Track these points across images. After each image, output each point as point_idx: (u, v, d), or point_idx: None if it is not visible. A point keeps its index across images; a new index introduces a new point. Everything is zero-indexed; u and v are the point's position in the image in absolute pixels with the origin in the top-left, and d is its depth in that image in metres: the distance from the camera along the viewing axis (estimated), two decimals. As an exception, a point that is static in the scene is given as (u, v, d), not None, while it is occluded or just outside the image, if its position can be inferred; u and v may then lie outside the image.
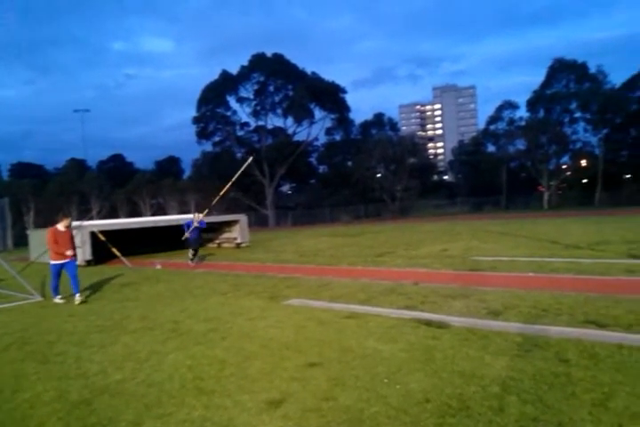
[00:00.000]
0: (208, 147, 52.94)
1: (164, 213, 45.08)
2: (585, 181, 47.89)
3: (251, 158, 15.31)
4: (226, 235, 20.17)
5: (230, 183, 13.46)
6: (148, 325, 6.19)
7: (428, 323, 5.20)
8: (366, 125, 55.70)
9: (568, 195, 47.86)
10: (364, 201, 50.20)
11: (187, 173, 62.90)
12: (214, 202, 14.54)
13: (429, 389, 3.45)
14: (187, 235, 13.52)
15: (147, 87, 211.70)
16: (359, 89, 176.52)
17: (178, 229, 19.70)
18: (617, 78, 45.69)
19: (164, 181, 51.86)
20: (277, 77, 49.58)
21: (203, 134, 51.69)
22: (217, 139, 52.76)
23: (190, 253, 13.74)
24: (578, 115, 45.98)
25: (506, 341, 4.43)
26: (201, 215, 13.75)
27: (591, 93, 43.36)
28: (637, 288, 6.35)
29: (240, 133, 53.05)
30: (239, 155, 52.08)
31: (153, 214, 47.15)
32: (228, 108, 51.44)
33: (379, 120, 55.89)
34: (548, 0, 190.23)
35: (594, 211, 34.08)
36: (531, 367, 3.71)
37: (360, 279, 8.72)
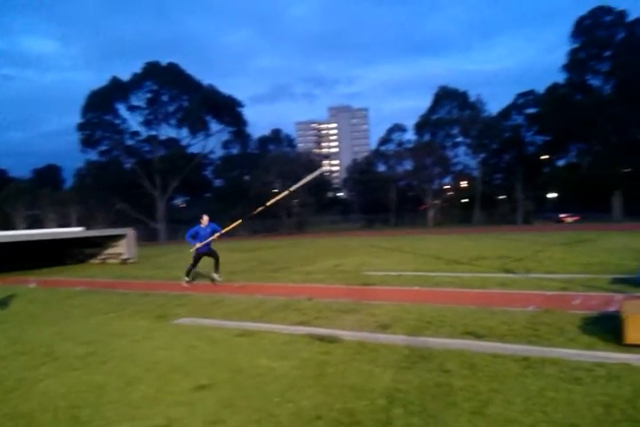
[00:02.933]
0: (94, 156, 49.81)
1: (42, 226, 41.44)
2: (465, 200, 51.80)
3: (321, 169, 13.00)
4: (111, 250, 18.95)
5: (287, 192, 10.66)
6: (18, 349, 5.58)
7: (321, 338, 5.24)
8: (264, 140, 55.92)
9: (450, 213, 51.38)
10: (260, 216, 50.05)
11: (68, 183, 58.61)
12: (257, 211, 10.84)
13: (321, 405, 3.45)
14: (196, 246, 10.34)
15: (26, 90, 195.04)
16: (257, 104, 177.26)
17: (57, 244, 18.26)
18: (493, 107, 50.40)
19: (42, 190, 47.81)
20: (172, 87, 48.19)
21: (88, 142, 48.50)
22: (104, 148, 49.80)
23: (215, 269, 10.58)
24: (459, 139, 49.97)
25: (394, 353, 4.58)
26: (206, 218, 10.49)
27: (471, 120, 47.36)
28: (509, 300, 6.91)
29: (130, 143, 50.59)
30: (128, 165, 49.63)
31: (28, 227, 43.14)
32: (118, 115, 48.94)
33: (276, 136, 56.43)
34: (436, 32, 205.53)
35: (472, 228, 36.94)
36: (416, 379, 3.86)
37: (255, 295, 8.60)
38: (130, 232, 18.73)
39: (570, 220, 42.16)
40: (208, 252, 10.58)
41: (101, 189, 45.56)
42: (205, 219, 10.47)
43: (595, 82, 42.62)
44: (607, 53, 41.46)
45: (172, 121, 49.99)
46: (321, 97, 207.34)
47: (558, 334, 4.91)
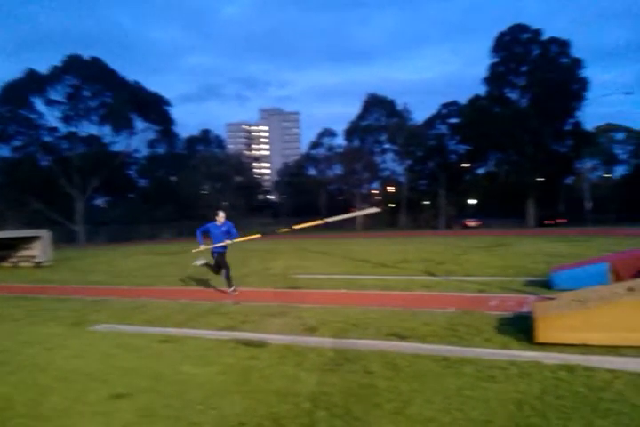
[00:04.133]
0: (6, 152, 46.38)
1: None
2: (392, 205, 53.28)
3: (374, 209, 10.94)
4: (24, 252, 17.72)
5: (321, 221, 9.40)
6: None
7: (247, 343, 5.16)
8: (192, 141, 54.62)
9: (378, 217, 52.65)
10: (188, 218, 48.76)
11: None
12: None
13: (244, 411, 3.39)
14: (200, 247, 8.90)
15: None
16: (186, 103, 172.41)
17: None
18: (419, 116, 52.43)
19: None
20: (94, 82, 45.84)
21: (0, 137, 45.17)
22: (18, 143, 46.55)
23: (223, 274, 8.98)
24: (387, 146, 51.42)
25: (320, 356, 4.60)
26: (222, 215, 9.05)
27: (398, 128, 48.88)
28: (431, 302, 7.16)
29: (47, 139, 47.58)
30: (44, 163, 46.67)
31: None
32: (34, 110, 45.90)
33: (205, 136, 55.33)
34: (366, 41, 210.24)
35: (398, 232, 38.01)
36: (341, 381, 3.89)
37: (179, 300, 8.35)
38: (45, 234, 17.61)
39: (473, 224, 44.92)
40: (220, 257, 8.93)
41: (14, 188, 42.52)
42: (221, 215, 8.98)
43: (512, 95, 45.31)
44: (524, 68, 44.26)
45: (94, 117, 47.51)
46: (252, 99, 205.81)
47: (476, 334, 5.14)
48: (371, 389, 3.70)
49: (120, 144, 49.40)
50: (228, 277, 8.90)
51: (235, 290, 8.84)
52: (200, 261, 9.15)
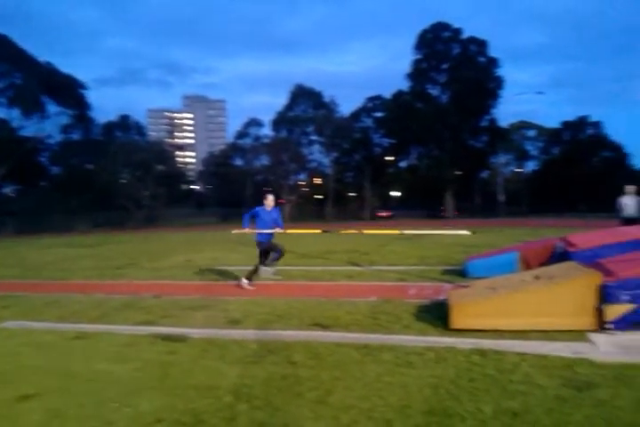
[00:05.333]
0: None
1: None
2: (319, 196, 53.75)
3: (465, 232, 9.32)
4: None
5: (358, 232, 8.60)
6: None
7: (167, 338, 5.00)
8: (110, 127, 51.92)
9: (304, 209, 52.93)
10: (105, 208, 46.48)
11: None
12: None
13: (162, 408, 3.29)
14: (245, 230, 8.10)
15: None
16: (104, 87, 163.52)
17: None
18: (346, 109, 52.98)
19: None
20: (1, 62, 42.41)
21: None
22: None
23: (270, 262, 8.09)
24: (314, 138, 51.63)
25: (243, 349, 4.55)
26: (272, 199, 8.30)
27: (325, 120, 49.20)
28: (355, 292, 7.30)
29: (-53, 121, 43.49)
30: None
31: None
32: None
33: (124, 122, 52.78)
34: (294, 31, 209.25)
35: (325, 224, 38.45)
36: (263, 373, 3.87)
37: (95, 295, 7.94)
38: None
39: (384, 215, 47.13)
40: (269, 244, 8.11)
41: None
42: (270, 199, 8.17)
43: (434, 91, 47.06)
44: (445, 66, 46.02)
45: (2, 100, 44.02)
46: (175, 85, 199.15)
47: (395, 321, 5.30)
48: (293, 379, 3.71)
49: (30, 129, 46.04)
50: (255, 271, 8.07)
51: (251, 284, 8.01)
52: (271, 272, 8.16)
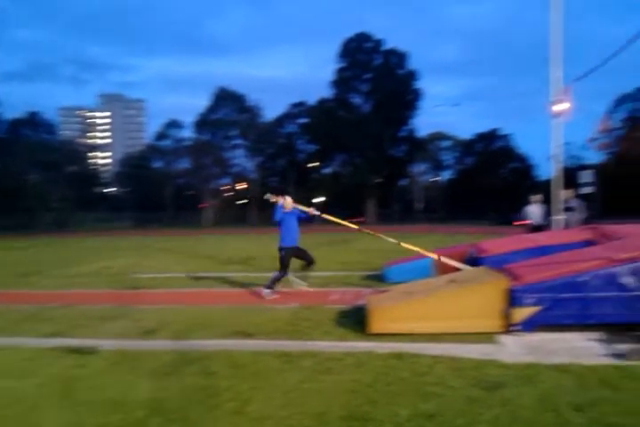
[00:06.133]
0: None
1: None
2: (242, 201, 53.13)
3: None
4: None
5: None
6: None
7: (76, 350, 4.69)
8: (17, 124, 48.40)
9: (227, 213, 52.10)
10: (8, 211, 43.09)
11: None
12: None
13: (67, 425, 3.08)
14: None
15: None
16: (9, 81, 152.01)
17: None
18: (270, 113, 52.85)
19: None
20: None
21: None
22: None
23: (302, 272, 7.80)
24: (238, 142, 51.06)
25: (157, 360, 4.37)
26: (290, 200, 7.76)
27: (249, 124, 48.85)
28: (276, 298, 7.25)
29: None
30: None
31: None
32: None
33: (33, 120, 49.41)
34: (218, 33, 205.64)
35: (248, 229, 38.08)
36: (179, 384, 3.73)
37: (-6, 305, 7.32)
38: None
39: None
40: (297, 250, 7.71)
41: None
42: (289, 200, 7.67)
43: (356, 100, 48.13)
44: (367, 76, 47.26)
45: None
46: (91, 83, 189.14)
47: (316, 327, 5.33)
48: (211, 390, 3.61)
49: None
50: (277, 279, 7.53)
51: (273, 292, 7.43)
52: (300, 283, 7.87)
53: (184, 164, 51.32)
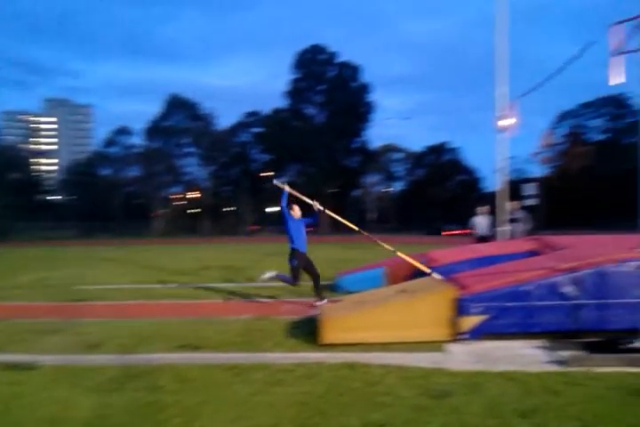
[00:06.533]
0: None
1: None
2: (194, 210, 52.22)
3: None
4: None
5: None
6: None
7: (12, 366, 4.44)
8: (-47, 128, 45.98)
9: (178, 223, 51.03)
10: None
11: None
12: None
13: (1, 449, 2.90)
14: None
15: None
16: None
17: None
18: (224, 122, 52.38)
19: None
20: None
21: None
22: None
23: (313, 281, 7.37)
24: (191, 149, 50.30)
25: (101, 375, 4.19)
26: (297, 209, 7.47)
27: (202, 132, 48.27)
28: (228, 310, 7.15)
29: None
30: None
31: None
32: None
33: (-28, 124, 47.08)
34: (171, 40, 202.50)
35: (200, 239, 37.41)
36: (123, 400, 3.59)
37: None
38: None
39: (254, 228, 47.88)
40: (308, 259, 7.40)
41: None
42: (297, 210, 7.42)
43: (310, 111, 48.51)
44: (321, 87, 47.76)
45: None
46: (37, 87, 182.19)
47: (267, 339, 5.26)
48: (157, 406, 3.49)
49: None
50: (318, 286, 7.29)
51: (325, 300, 7.06)
52: (269, 274, 7.63)
53: (133, 171, 50.03)
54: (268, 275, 7.67)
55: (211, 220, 49.64)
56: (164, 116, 49.43)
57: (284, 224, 7.37)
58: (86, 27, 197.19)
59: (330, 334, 4.96)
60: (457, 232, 36.53)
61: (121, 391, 3.79)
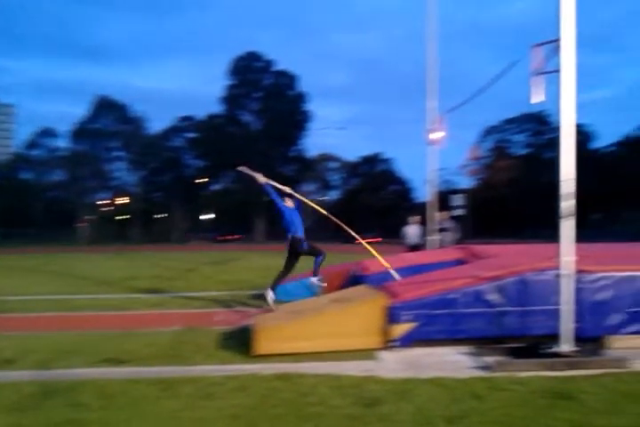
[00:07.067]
0: None
1: None
2: (123, 217, 50.24)
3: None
4: None
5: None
6: None
7: None
8: None
9: (106, 230, 48.90)
10: None
11: None
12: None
13: None
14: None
15: None
16: None
17: None
18: (156, 126, 50.96)
19: None
20: None
21: None
22: None
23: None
24: (120, 153, 48.47)
25: (16, 393, 3.89)
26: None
27: (132, 136, 46.67)
28: (156, 321, 6.89)
29: None
30: None
31: None
32: None
33: None
34: (101, 40, 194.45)
35: (129, 246, 35.99)
36: (41, 419, 3.35)
37: None
38: None
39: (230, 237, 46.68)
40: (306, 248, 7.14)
41: None
42: (288, 200, 7.23)
43: (246, 118, 48.19)
44: (257, 95, 47.61)
45: None
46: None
47: (198, 351, 5.11)
48: (77, 424, 3.28)
49: None
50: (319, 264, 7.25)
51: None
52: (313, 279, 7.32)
53: (58, 175, 47.46)
54: (313, 279, 7.39)
55: (141, 227, 47.94)
56: (92, 118, 47.44)
57: (282, 216, 7.20)
58: (8, 24, 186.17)
59: (263, 344, 4.89)
60: (369, 240, 39.04)
61: (37, 410, 3.54)
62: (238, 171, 8.00)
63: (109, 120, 47.85)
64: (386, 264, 7.06)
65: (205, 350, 5.17)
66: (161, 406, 3.60)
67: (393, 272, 6.81)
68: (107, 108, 47.51)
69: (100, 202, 49.72)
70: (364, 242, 7.70)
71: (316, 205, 8.15)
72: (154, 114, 59.92)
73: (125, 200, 49.82)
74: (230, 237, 47.10)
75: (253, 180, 7.35)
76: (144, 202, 49.02)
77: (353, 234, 7.79)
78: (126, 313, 7.64)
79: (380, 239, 41.14)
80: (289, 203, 7.30)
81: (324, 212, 8.18)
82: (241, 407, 3.53)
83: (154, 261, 19.20)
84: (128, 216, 49.56)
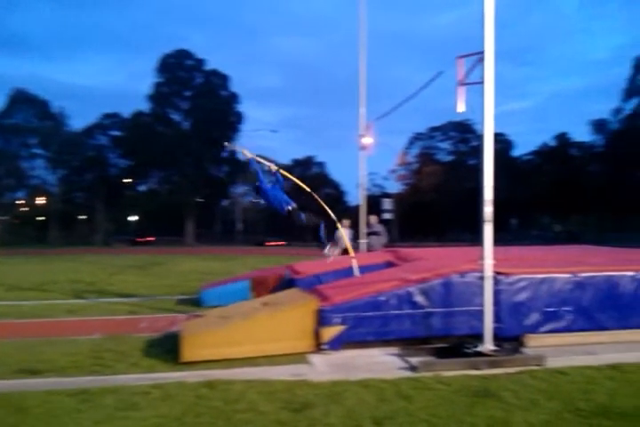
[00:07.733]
0: None
1: None
2: (41, 218, 47.34)
3: None
4: None
5: None
6: None
7: None
8: None
9: (22, 232, 45.86)
10: None
11: None
12: None
13: None
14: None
15: None
16: None
17: None
18: (78, 123, 48.34)
19: None
20: None
21: None
22: None
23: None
24: (38, 151, 45.62)
25: None
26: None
27: (51, 133, 44.05)
28: (76, 329, 6.53)
29: None
30: None
31: None
32: None
33: None
34: (17, 30, 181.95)
35: (47, 249, 33.94)
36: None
37: None
38: None
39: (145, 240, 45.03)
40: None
41: None
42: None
43: (176, 116, 46.84)
44: (188, 93, 46.44)
45: None
46: None
47: (122, 359, 4.89)
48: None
49: None
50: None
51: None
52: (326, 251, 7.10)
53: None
54: (326, 251, 7.18)
55: (60, 229, 45.36)
56: (7, 112, 44.34)
57: (265, 196, 6.70)
58: None
59: (191, 351, 4.75)
60: (276, 243, 43.83)
61: (-63, 431, 3.25)
62: (224, 146, 7.70)
63: (27, 115, 44.90)
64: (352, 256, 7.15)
65: (129, 358, 4.95)
66: (80, 418, 3.41)
67: (355, 267, 6.89)
68: (24, 102, 44.55)
69: (17, 202, 46.56)
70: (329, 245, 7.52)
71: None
72: (76, 110, 56.73)
73: (43, 200, 46.94)
74: (150, 240, 45.80)
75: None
76: (64, 202, 46.40)
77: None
78: (43, 320, 7.19)
79: (283, 243, 42.26)
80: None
81: None
82: (165, 418, 3.41)
83: (74, 264, 18.21)
84: (44, 218, 46.72)
